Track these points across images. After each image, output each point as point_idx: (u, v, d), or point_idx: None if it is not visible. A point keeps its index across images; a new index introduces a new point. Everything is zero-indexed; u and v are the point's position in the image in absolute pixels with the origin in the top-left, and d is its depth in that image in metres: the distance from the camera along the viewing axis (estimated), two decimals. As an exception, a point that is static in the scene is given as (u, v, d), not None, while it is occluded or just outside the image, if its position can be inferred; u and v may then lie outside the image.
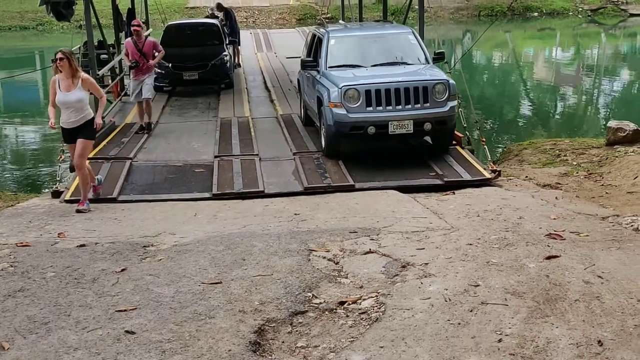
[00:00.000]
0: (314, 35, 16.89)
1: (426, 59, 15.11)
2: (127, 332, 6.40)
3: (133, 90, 17.45)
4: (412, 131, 13.44)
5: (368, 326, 6.50)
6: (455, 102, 13.84)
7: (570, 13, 56.51)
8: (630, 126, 14.91)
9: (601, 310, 6.53)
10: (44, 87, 33.68)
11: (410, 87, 13.43)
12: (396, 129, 13.38)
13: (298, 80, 18.31)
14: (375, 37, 15.82)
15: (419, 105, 13.43)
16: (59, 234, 9.86)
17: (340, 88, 13.54)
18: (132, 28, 17.73)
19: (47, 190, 14.67)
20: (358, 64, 14.92)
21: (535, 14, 56.51)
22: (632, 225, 9.20)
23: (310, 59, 15.86)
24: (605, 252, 8.14)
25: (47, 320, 6.69)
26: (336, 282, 7.63)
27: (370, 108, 13.47)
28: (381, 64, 14.88)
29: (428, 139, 14.54)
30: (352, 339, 6.26)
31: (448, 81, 13.72)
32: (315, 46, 16.23)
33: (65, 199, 12.36)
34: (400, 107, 13.42)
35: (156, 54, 17.63)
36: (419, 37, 15.85)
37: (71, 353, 6.02)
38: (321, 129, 14.57)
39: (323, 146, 14.50)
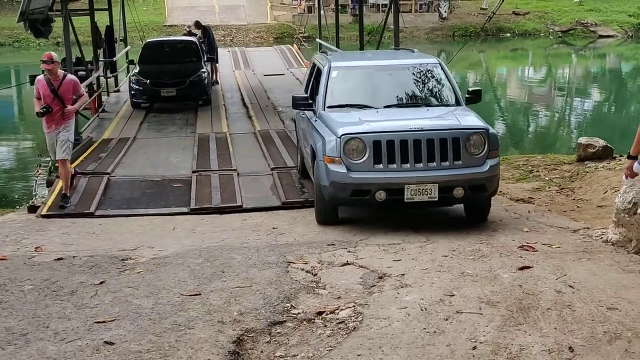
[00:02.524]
0: (313, 65, 13.66)
1: (457, 99, 11.78)
2: (106, 342, 6.40)
3: (49, 148, 13.35)
4: (436, 198, 10.12)
5: (346, 335, 6.56)
6: (497, 160, 10.49)
7: (542, 34, 57.24)
8: (600, 143, 15.13)
9: (572, 318, 6.69)
10: (19, 103, 33.63)
11: (435, 139, 10.13)
12: (415, 196, 10.08)
13: (294, 120, 15.78)
14: (390, 69, 12.41)
15: (447, 163, 10.14)
16: (36, 247, 9.85)
17: (340, 137, 10.31)
18: (42, 66, 13.04)
19: (23, 205, 14.65)
20: (366, 104, 11.62)
21: (508, 34, 57.17)
22: (601, 237, 9.39)
23: (305, 95, 12.41)
24: (576, 263, 8.33)
25: (25, 331, 6.68)
26: (314, 293, 7.71)
27: (380, 165, 10.20)
28: (397, 105, 11.64)
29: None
30: (330, 348, 6.33)
31: (487, 131, 10.38)
32: (314, 79, 12.90)
33: (42, 213, 12.33)
34: (421, 165, 10.15)
35: (83, 92, 13.82)
36: (447, 70, 12.32)
37: None
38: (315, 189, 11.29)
39: (315, 211, 11.30)
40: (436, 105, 11.80)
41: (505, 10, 55.72)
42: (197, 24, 27.40)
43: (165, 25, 55.52)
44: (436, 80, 12.25)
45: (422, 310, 6.99)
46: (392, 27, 19.64)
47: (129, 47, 30.51)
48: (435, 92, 12.16)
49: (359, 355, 6.13)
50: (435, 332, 6.48)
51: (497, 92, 36.38)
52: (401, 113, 11.39)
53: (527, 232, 9.95)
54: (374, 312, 7.01)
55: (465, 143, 10.25)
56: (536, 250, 8.91)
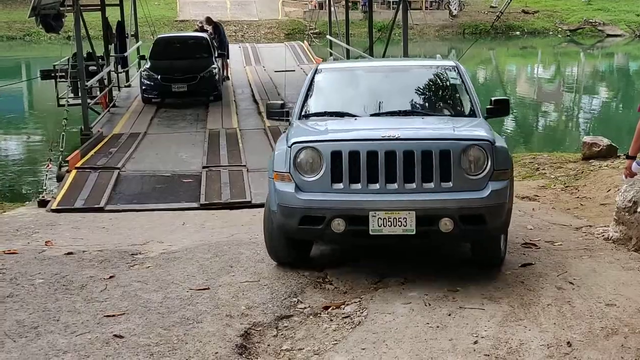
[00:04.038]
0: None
1: (473, 110, 9.19)
2: (115, 336, 6.47)
3: None
4: (413, 232, 7.51)
5: (351, 329, 6.66)
6: (505, 184, 7.73)
7: (551, 33, 57.07)
8: (604, 141, 15.16)
9: (571, 313, 6.83)
10: (30, 97, 33.73)
11: (415, 151, 7.56)
12: (384, 227, 7.52)
13: None
14: (390, 71, 10.22)
15: (431, 184, 7.56)
16: (46, 242, 9.90)
17: (290, 147, 7.89)
18: None
19: (32, 199, 14.77)
20: (349, 112, 9.19)
21: (517, 33, 57.03)
22: (603, 235, 9.48)
23: (280, 102, 10.02)
24: (577, 260, 8.46)
25: (36, 324, 6.75)
26: (321, 288, 7.80)
27: (340, 185, 7.63)
28: (388, 114, 9.12)
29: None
30: (335, 342, 6.42)
31: (492, 144, 7.74)
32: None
33: (52, 208, 12.42)
34: (395, 185, 7.58)
35: None
36: (466, 75, 9.74)
37: (60, 356, 6.09)
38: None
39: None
40: (440, 115, 9.19)
41: (515, 9, 55.68)
42: (209, 20, 27.52)
43: (176, 20, 55.54)
44: (447, 85, 9.86)
45: (425, 305, 7.12)
46: (402, 24, 19.68)
47: (140, 42, 30.60)
48: (443, 100, 9.71)
49: (363, 349, 6.23)
50: (438, 326, 6.60)
51: (506, 89, 36.38)
52: (387, 122, 8.67)
53: (530, 229, 10.00)
54: (379, 307, 7.11)
55: (458, 158, 7.59)
56: (539, 248, 9.01)
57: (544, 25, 57.66)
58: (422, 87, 9.81)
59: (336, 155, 7.68)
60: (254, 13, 58.81)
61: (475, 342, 6.26)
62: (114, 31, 26.04)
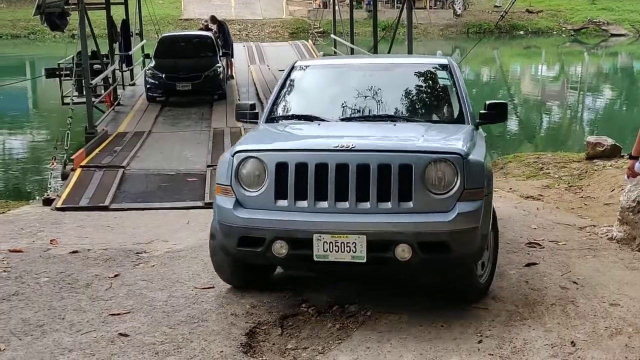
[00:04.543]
0: None
1: (462, 115, 8.20)
2: (120, 334, 6.49)
3: None
4: (364, 259, 6.52)
5: (355, 329, 6.67)
6: (478, 205, 6.68)
7: (555, 32, 57.20)
8: (608, 141, 15.17)
9: (575, 313, 6.85)
10: (34, 95, 33.78)
11: (371, 164, 6.59)
12: (330, 252, 6.54)
13: None
14: (371, 69, 9.22)
15: (387, 204, 6.57)
16: (51, 240, 9.92)
17: (233, 156, 7.00)
18: None
19: (37, 198, 14.79)
20: (319, 115, 8.27)
21: (521, 32, 57.15)
22: (607, 235, 9.49)
23: (250, 103, 8.79)
24: (581, 260, 8.48)
25: (41, 323, 6.77)
26: (325, 286, 7.72)
27: (284, 202, 6.73)
28: (361, 118, 8.26)
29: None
30: (340, 341, 6.43)
31: (462, 158, 6.67)
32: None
33: (57, 206, 12.45)
34: (346, 204, 6.61)
35: None
36: (458, 75, 8.73)
37: (66, 354, 6.11)
38: None
39: None
40: (420, 122, 8.14)
41: (519, 8, 55.77)
42: (213, 19, 27.55)
43: (181, 19, 55.66)
44: (434, 87, 8.84)
45: (430, 304, 7.13)
46: (406, 23, 19.72)
47: (144, 40, 30.70)
48: (427, 104, 8.69)
49: (367, 347, 6.24)
50: (442, 326, 6.62)
51: (510, 88, 36.41)
52: (353, 129, 7.92)
53: (535, 229, 10.02)
54: (383, 307, 7.10)
55: (421, 174, 6.56)
56: (543, 247, 9.03)
57: (547, 25, 57.79)
58: (404, 89, 8.63)
59: (281, 168, 6.74)
60: (258, 12, 58.90)
61: (480, 342, 6.28)
62: (118, 30, 26.16)
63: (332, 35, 32.59)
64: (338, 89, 8.87)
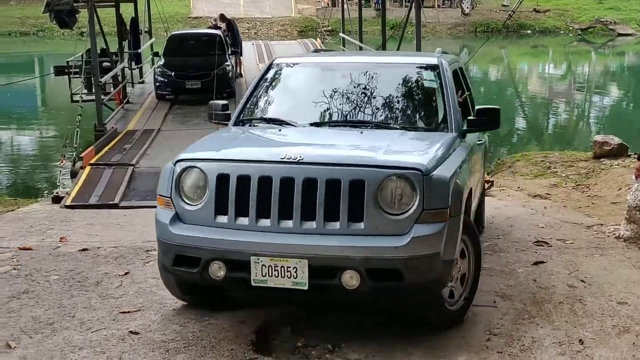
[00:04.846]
0: None
1: (446, 121, 7.36)
2: (131, 332, 6.50)
3: None
4: (306, 286, 5.86)
5: (363, 325, 6.66)
6: (438, 227, 5.92)
7: (562, 32, 57.09)
8: (615, 140, 15.18)
9: (583, 312, 6.90)
10: (43, 93, 33.83)
11: (319, 179, 5.90)
12: (269, 277, 5.92)
13: None
14: (351, 69, 8.19)
15: (336, 224, 5.88)
16: (61, 238, 9.90)
17: (174, 164, 6.46)
18: None
19: (46, 195, 14.82)
20: (287, 119, 7.57)
21: (529, 31, 57.06)
22: (614, 234, 9.54)
23: (223, 103, 8.29)
24: (588, 258, 8.54)
25: (51, 320, 6.79)
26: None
27: (224, 218, 6.11)
28: (332, 123, 7.51)
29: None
30: (350, 338, 6.39)
31: (422, 174, 5.91)
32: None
33: (66, 204, 12.47)
34: (290, 223, 5.95)
35: None
36: (447, 78, 7.76)
37: (76, 352, 6.12)
38: None
39: None
40: (397, 128, 7.31)
41: (526, 8, 55.71)
42: (222, 17, 27.56)
43: (190, 17, 55.67)
44: (419, 90, 7.93)
45: (438, 303, 7.17)
46: (414, 21, 19.72)
47: (153, 38, 30.74)
48: (408, 108, 7.77)
49: (377, 345, 6.22)
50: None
51: (518, 87, 36.38)
52: (316, 136, 7.30)
53: (542, 227, 10.06)
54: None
55: (374, 192, 5.85)
56: (551, 246, 9.09)
57: (555, 24, 57.70)
58: (385, 91, 7.78)
59: (223, 179, 6.12)
60: (267, 10, 58.90)
61: (488, 340, 6.31)
62: (127, 27, 26.20)
63: (341, 34, 32.58)
64: (314, 90, 8.07)
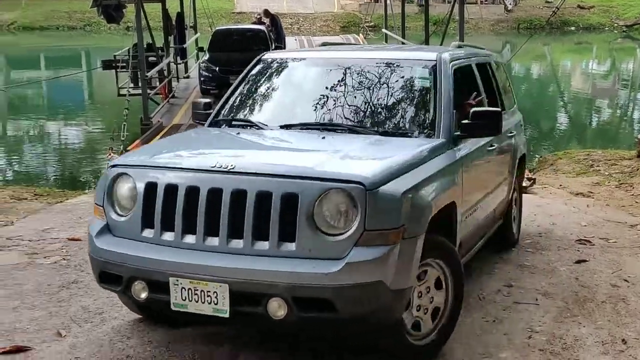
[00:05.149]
0: None
1: (434, 126, 6.44)
2: None
3: None
4: (226, 314, 5.15)
5: None
6: (383, 251, 5.06)
7: (606, 28, 56.62)
8: (659, 139, 15.10)
9: (626, 311, 6.91)
10: (90, 87, 34.23)
11: (249, 192, 5.19)
12: (188, 301, 5.23)
13: None
14: (339, 65, 7.28)
15: (265, 243, 5.17)
16: (109, 229, 10.07)
17: (108, 169, 5.90)
18: None
19: (94, 187, 14.98)
20: (261, 120, 6.87)
21: (573, 28, 56.64)
22: (658, 233, 9.51)
23: (205, 101, 7.52)
24: (632, 258, 8.52)
25: (100, 310, 6.88)
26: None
27: (150, 232, 5.49)
28: (304, 126, 6.59)
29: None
30: None
31: (367, 189, 5.06)
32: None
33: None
34: (215, 241, 5.27)
35: None
36: (444, 77, 6.77)
37: (125, 341, 6.22)
38: None
39: None
40: (372, 132, 6.41)
41: (570, 4, 55.29)
42: (266, 12, 27.74)
43: (234, 12, 56.05)
44: (409, 90, 6.86)
45: (480, 299, 7.22)
46: (457, 18, 19.75)
47: (198, 33, 30.96)
48: (391, 111, 6.75)
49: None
50: (494, 321, 6.69)
51: (560, 85, 36.18)
52: (273, 140, 6.59)
53: (585, 226, 10.02)
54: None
55: (309, 208, 5.06)
56: (593, 244, 9.07)
57: (599, 21, 57.24)
58: (370, 90, 6.90)
59: (151, 189, 5.50)
60: (310, 6, 59.06)
61: (530, 337, 6.34)
62: (173, 22, 26.46)
63: (384, 30, 32.58)
64: (296, 88, 7.43)
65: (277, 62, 7.75)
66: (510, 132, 8.38)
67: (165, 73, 23.53)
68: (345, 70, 7.14)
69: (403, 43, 27.02)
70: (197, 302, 5.17)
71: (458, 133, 6.46)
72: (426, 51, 7.63)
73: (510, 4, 57.75)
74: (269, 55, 7.95)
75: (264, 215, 5.12)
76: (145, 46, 20.33)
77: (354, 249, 5.00)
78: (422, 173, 5.61)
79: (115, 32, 43.29)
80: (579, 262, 8.36)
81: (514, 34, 53.60)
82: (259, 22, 27.77)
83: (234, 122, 7.03)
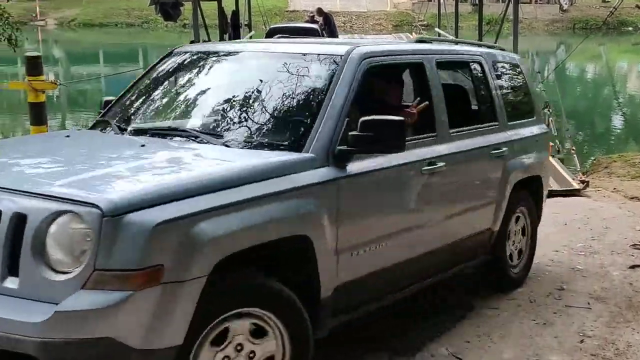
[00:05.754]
0: None
1: (310, 136, 5.01)
2: None
3: None
4: None
5: (454, 324, 6.66)
6: (122, 296, 3.77)
7: (666, 29, 55.92)
8: None
9: (682, 318, 6.81)
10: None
11: None
12: None
13: None
14: (244, 59, 6.24)
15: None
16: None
17: None
18: None
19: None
20: (121, 123, 5.78)
21: (630, 28, 56.04)
22: None
23: (107, 98, 6.51)
24: (689, 264, 8.35)
25: None
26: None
27: None
28: (158, 131, 5.50)
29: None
30: (439, 334, 6.43)
31: (105, 215, 3.76)
32: None
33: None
34: None
35: None
36: (345, 78, 5.32)
37: None
38: None
39: None
40: (222, 142, 5.09)
41: (628, 4, 54.52)
42: (320, 11, 27.87)
43: (287, 11, 56.44)
44: (297, 92, 5.44)
45: (531, 302, 7.19)
46: (511, 17, 19.69)
47: (253, 31, 31.20)
48: (259, 117, 5.38)
49: (467, 342, 6.27)
50: (544, 324, 6.65)
51: (616, 86, 35.81)
52: (94, 149, 5.25)
53: (639, 230, 9.92)
54: (484, 302, 7.16)
55: (39, 235, 3.90)
56: (648, 249, 8.95)
57: (658, 21, 56.51)
58: (249, 91, 5.67)
59: None
60: (363, 4, 59.19)
61: (582, 341, 6.29)
62: (228, 20, 26.70)
63: (436, 29, 32.65)
64: (181, 86, 6.28)
65: (185, 56, 6.51)
66: (497, 149, 6.93)
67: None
68: (241, 67, 6.19)
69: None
70: None
71: (343, 147, 5.04)
72: (344, 45, 5.93)
73: (565, 4, 57.31)
74: (181, 49, 6.70)
75: None
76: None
77: (78, 293, 3.80)
78: (230, 196, 4.29)
79: (172, 30, 43.70)
80: (633, 267, 8.24)
81: (569, 34, 53.15)
82: (312, 20, 27.89)
83: (105, 124, 5.91)
